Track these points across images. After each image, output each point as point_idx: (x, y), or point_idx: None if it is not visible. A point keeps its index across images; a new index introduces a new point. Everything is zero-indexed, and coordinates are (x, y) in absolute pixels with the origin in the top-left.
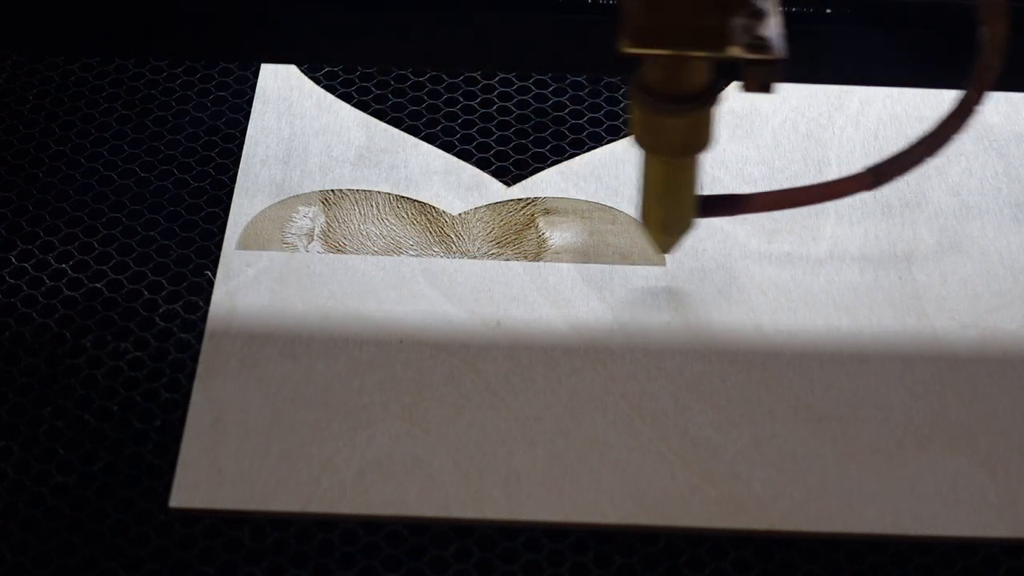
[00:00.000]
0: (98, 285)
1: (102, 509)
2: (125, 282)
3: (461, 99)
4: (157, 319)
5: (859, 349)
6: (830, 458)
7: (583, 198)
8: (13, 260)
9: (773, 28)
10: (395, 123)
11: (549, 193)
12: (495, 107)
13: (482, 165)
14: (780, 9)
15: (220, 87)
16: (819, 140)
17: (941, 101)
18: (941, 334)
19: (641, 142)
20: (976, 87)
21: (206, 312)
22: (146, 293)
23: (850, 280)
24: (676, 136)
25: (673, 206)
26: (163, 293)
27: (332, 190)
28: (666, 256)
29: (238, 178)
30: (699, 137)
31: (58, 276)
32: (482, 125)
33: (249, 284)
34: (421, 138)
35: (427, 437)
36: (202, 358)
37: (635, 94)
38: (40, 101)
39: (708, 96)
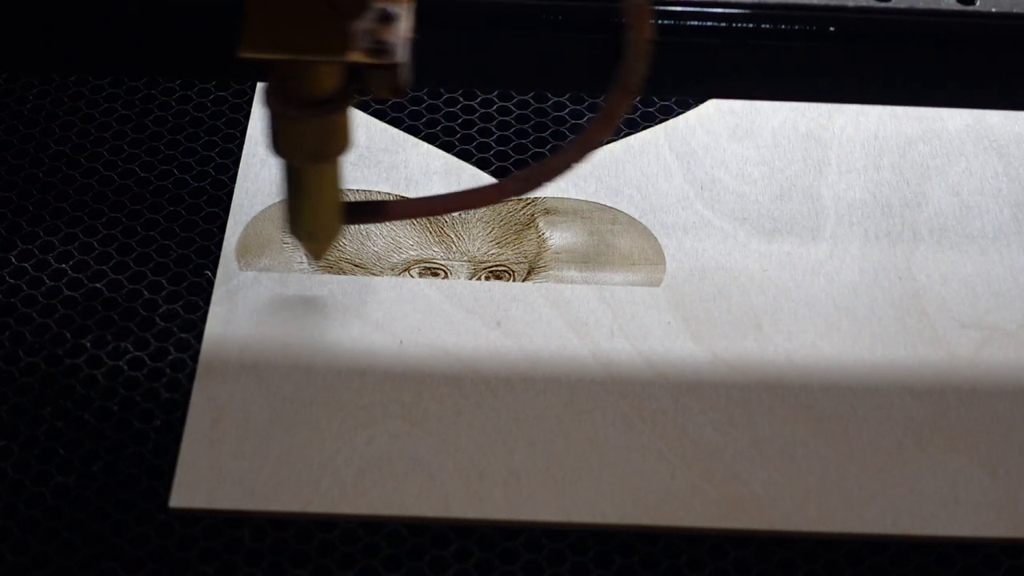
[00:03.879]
0: (98, 285)
1: (102, 509)
2: (125, 282)
3: (461, 99)
4: (157, 319)
5: (859, 349)
6: (830, 458)
7: (583, 198)
8: (13, 260)
9: (399, 33)
10: (395, 123)
11: (549, 193)
12: (495, 107)
13: (482, 165)
14: (413, 14)
15: (220, 87)
16: (819, 140)
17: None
18: (941, 334)
19: (278, 150)
20: (621, 92)
21: (206, 312)
22: (146, 293)
23: (850, 280)
24: (308, 142)
25: (316, 214)
26: (163, 293)
27: None
28: (666, 256)
29: (238, 178)
30: (335, 142)
31: (58, 276)
32: (482, 125)
33: (249, 284)
34: (421, 138)
35: (427, 437)
36: (202, 358)
37: (267, 100)
38: (40, 101)
39: (338, 101)
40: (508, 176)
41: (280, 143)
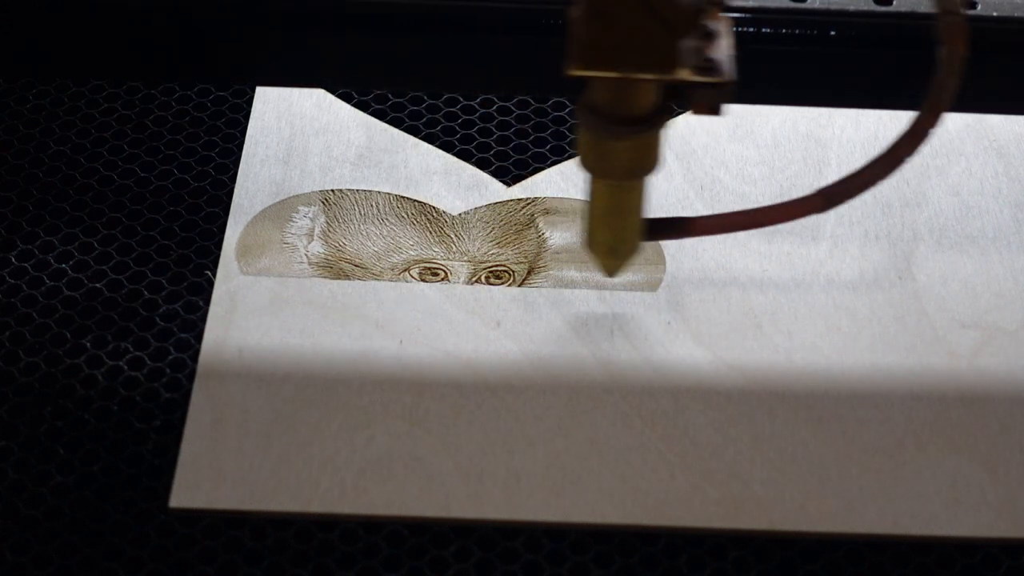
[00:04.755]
0: (98, 285)
1: (102, 509)
2: (125, 282)
3: (461, 99)
4: (157, 319)
5: (859, 349)
6: (830, 458)
7: (583, 198)
8: (13, 260)
9: (724, 50)
10: (395, 123)
11: (549, 193)
12: (495, 107)
13: (482, 165)
14: (732, 31)
15: (221, 87)
16: (819, 140)
17: None
18: (941, 334)
19: (587, 165)
20: (932, 108)
21: (206, 312)
22: (146, 293)
23: (850, 280)
24: (623, 159)
25: (619, 230)
26: (163, 293)
27: (332, 190)
28: (666, 256)
29: (238, 178)
30: (646, 160)
31: (58, 276)
32: (482, 125)
33: (249, 284)
34: (421, 138)
35: (427, 437)
36: (202, 358)
37: (582, 116)
38: (40, 101)
39: (656, 119)
40: (813, 192)
41: (593, 159)
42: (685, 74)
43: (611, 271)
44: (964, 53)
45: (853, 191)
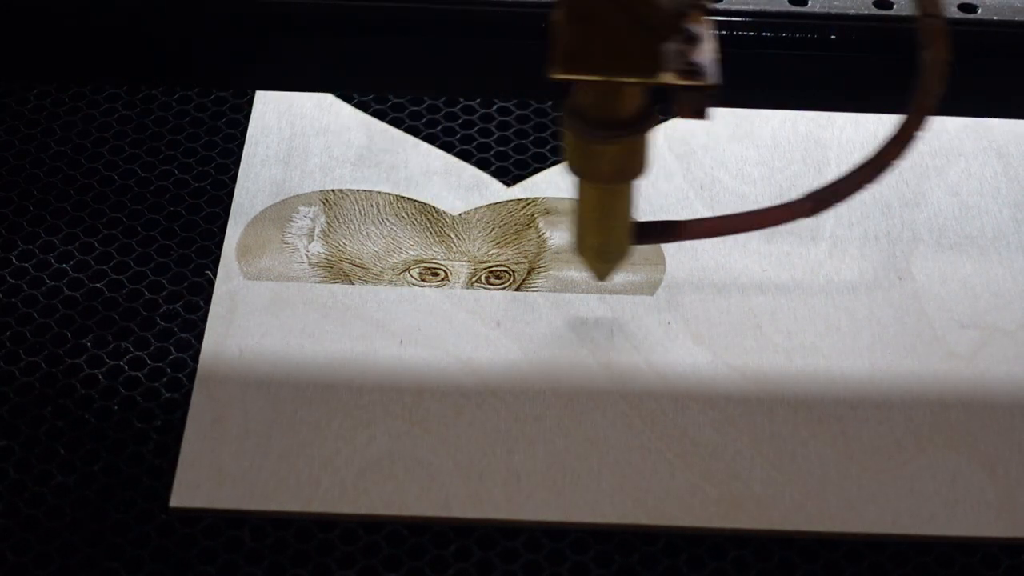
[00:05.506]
0: (99, 285)
1: (103, 509)
2: (125, 282)
3: (461, 99)
4: (157, 319)
5: (859, 349)
6: (830, 458)
7: None
8: (14, 260)
9: (707, 53)
10: (395, 123)
11: (549, 193)
12: (495, 107)
13: (482, 165)
14: (715, 34)
15: (221, 87)
16: (819, 140)
17: None
18: (941, 334)
19: (574, 169)
20: (916, 112)
21: (206, 312)
22: (146, 293)
23: (850, 280)
24: (610, 163)
25: (608, 233)
26: (163, 293)
27: (332, 190)
28: (665, 256)
29: (238, 178)
30: (633, 163)
31: (59, 276)
32: (482, 125)
33: (250, 284)
34: (421, 138)
35: (427, 437)
36: (202, 358)
37: (567, 120)
38: (41, 101)
39: (642, 122)
40: (801, 196)
41: (579, 163)
42: (669, 78)
43: (601, 275)
44: (946, 56)
45: (841, 195)
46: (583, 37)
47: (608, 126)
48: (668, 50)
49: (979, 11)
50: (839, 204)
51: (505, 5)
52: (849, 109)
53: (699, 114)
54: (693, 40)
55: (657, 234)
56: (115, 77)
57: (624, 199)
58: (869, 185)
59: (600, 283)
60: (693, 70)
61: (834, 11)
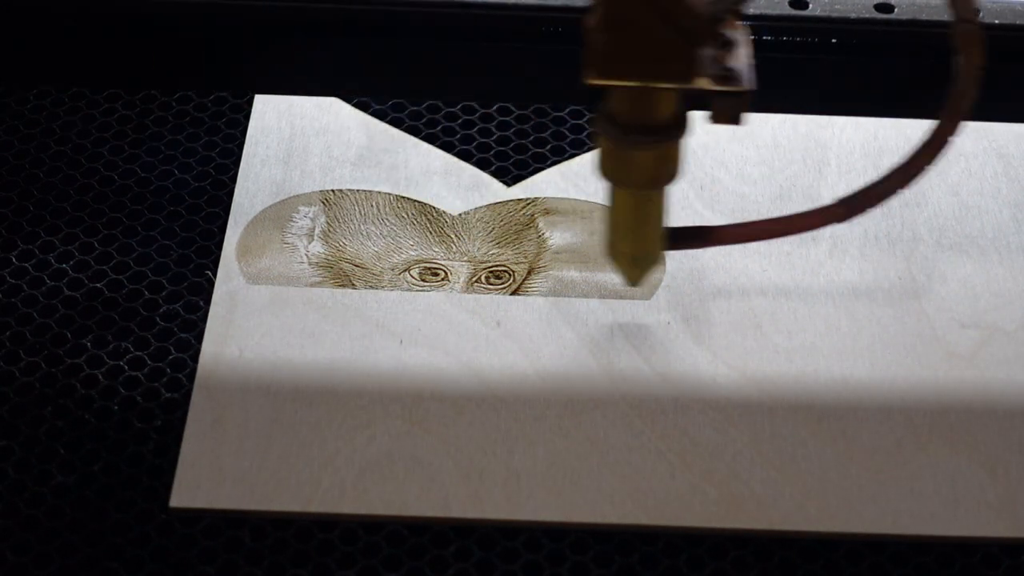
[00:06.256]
0: (98, 285)
1: (103, 509)
2: (125, 282)
3: (461, 99)
4: (157, 319)
5: (859, 349)
6: (830, 458)
7: (583, 198)
8: (14, 260)
9: (742, 59)
10: (395, 123)
11: (549, 193)
12: (495, 107)
13: (482, 165)
14: (750, 40)
15: (221, 87)
16: (819, 140)
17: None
18: (941, 334)
19: (608, 174)
20: (950, 117)
21: (206, 312)
22: (146, 293)
23: (850, 280)
24: (644, 168)
25: (641, 238)
26: (163, 293)
27: (332, 190)
28: (666, 256)
29: (238, 178)
30: (667, 169)
31: (59, 276)
32: (482, 125)
33: (250, 284)
34: (421, 138)
35: (427, 437)
36: (202, 358)
37: (601, 126)
38: (41, 101)
39: (676, 128)
40: (834, 201)
41: (613, 168)
42: (704, 83)
43: (634, 280)
44: (981, 62)
45: (873, 201)
46: (619, 43)
47: (642, 132)
48: (704, 55)
49: (980, 16)
50: (872, 209)
51: (505, 8)
52: (850, 113)
53: (734, 120)
54: (728, 45)
55: (689, 239)
56: (115, 77)
57: (657, 205)
58: (902, 190)
59: (601, 282)
60: (728, 76)
61: (835, 15)
